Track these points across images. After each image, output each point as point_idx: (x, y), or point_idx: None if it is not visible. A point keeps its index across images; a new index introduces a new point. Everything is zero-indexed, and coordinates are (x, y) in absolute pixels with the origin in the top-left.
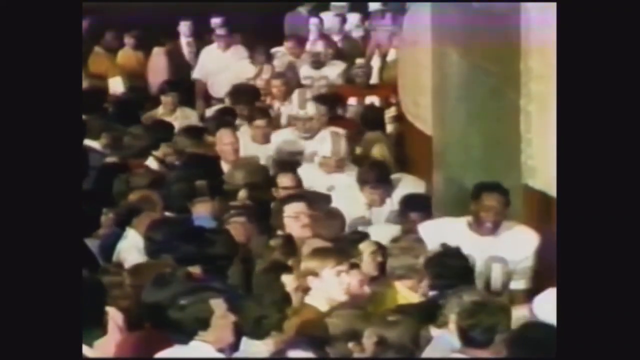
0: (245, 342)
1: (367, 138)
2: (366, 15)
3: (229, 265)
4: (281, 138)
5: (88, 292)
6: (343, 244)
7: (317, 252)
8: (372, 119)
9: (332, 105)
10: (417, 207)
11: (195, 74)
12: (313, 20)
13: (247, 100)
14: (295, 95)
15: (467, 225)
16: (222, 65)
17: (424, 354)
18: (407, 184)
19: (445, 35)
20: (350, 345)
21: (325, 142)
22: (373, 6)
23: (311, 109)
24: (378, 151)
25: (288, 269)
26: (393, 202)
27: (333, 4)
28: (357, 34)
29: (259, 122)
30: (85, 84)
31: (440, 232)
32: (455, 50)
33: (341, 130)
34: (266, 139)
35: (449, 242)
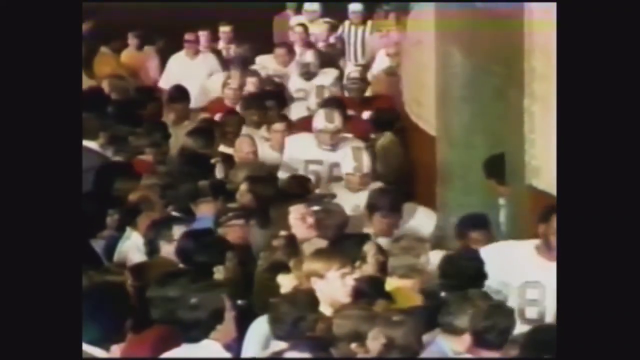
0: (277, 345)
1: (377, 139)
2: (340, 20)
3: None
4: (296, 144)
5: (111, 298)
6: (345, 246)
7: (322, 254)
8: (383, 120)
9: (343, 108)
10: (476, 225)
11: (162, 83)
12: (297, 29)
13: (259, 105)
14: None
15: (535, 249)
16: (189, 73)
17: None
18: (418, 217)
19: (448, 35)
20: (354, 346)
21: (347, 158)
22: (353, 7)
23: (338, 120)
24: (387, 143)
25: (286, 269)
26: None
27: (306, 8)
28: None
29: (278, 126)
30: (91, 83)
31: (504, 256)
32: (459, 50)
33: (361, 143)
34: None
35: (513, 267)
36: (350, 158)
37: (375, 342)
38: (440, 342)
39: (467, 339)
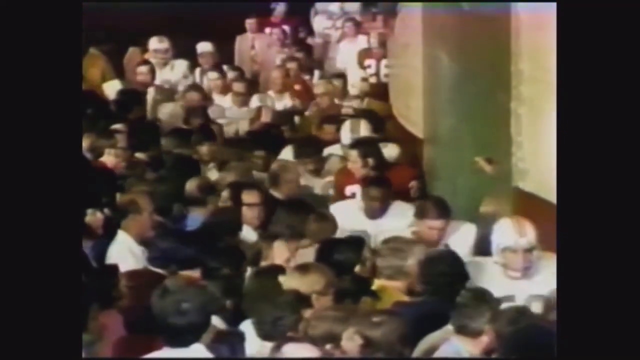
0: (261, 344)
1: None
2: None
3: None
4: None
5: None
6: (338, 252)
7: (304, 271)
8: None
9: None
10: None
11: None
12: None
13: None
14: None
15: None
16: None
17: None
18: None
19: (436, 37)
20: (329, 347)
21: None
22: (203, 47)
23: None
24: None
25: (282, 270)
26: None
27: (152, 46)
28: None
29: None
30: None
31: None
32: (447, 53)
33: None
34: None
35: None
36: (510, 228)
37: (350, 342)
38: (455, 343)
39: (484, 340)
